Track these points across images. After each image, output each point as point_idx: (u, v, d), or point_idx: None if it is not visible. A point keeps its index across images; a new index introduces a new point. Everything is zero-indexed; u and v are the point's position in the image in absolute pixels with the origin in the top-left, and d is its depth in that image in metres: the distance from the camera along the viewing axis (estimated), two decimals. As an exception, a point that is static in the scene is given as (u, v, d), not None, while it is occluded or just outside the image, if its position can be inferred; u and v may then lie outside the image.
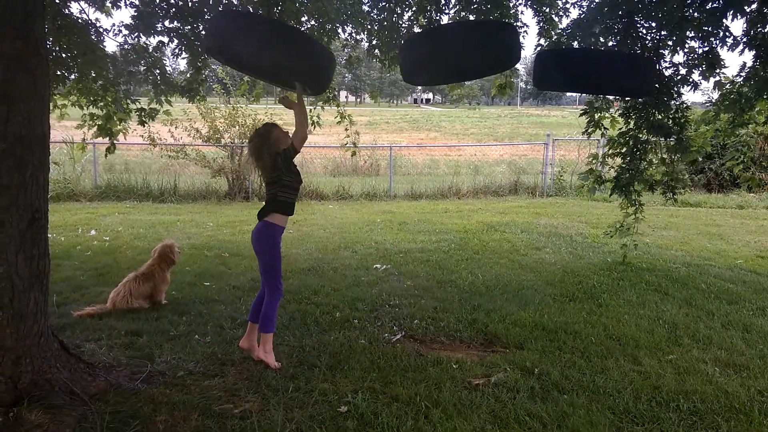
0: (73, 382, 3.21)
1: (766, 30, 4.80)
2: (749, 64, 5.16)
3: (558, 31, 5.79)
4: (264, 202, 3.87)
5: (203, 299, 5.26)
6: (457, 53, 3.82)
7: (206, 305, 5.09)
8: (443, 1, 6.02)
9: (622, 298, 5.47)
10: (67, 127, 10.09)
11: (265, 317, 3.85)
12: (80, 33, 5.06)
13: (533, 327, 4.63)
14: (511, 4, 6.00)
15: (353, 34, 6.75)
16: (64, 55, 5.21)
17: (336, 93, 7.54)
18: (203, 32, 5.13)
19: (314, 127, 7.05)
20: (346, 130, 7.33)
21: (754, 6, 4.73)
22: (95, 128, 6.14)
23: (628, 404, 3.37)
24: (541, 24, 5.95)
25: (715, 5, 4.51)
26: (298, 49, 3.58)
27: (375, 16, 6.36)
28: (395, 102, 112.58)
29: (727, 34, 4.84)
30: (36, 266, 3.11)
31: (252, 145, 3.95)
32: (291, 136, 3.90)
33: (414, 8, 6.12)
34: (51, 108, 5.90)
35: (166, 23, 5.51)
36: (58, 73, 5.30)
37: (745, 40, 4.90)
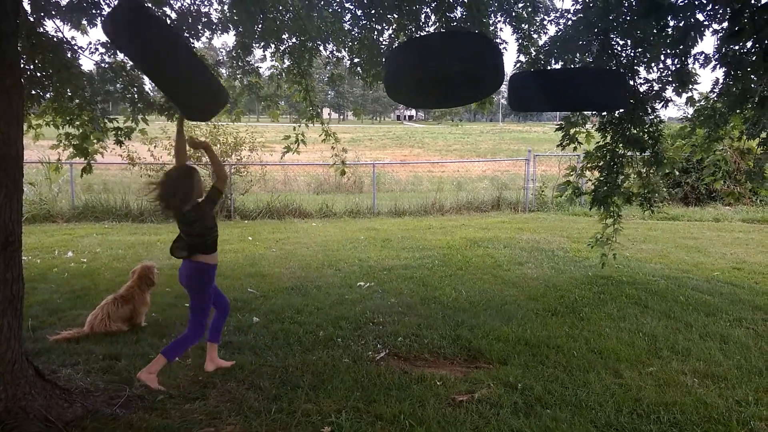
0: (48, 409, 3.13)
1: (737, 48, 4.93)
2: (722, 80, 5.28)
3: (536, 48, 5.89)
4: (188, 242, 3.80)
5: (184, 321, 5.16)
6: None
7: (187, 327, 5.00)
8: (423, 19, 6.10)
9: (603, 312, 5.51)
10: (43, 147, 9.96)
11: (177, 345, 3.87)
12: (55, 50, 5.02)
13: (516, 342, 4.64)
14: (490, 22, 6.10)
15: (334, 52, 6.80)
16: (39, 74, 5.16)
17: (319, 110, 7.55)
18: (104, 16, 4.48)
19: (298, 146, 7.05)
20: (333, 148, 7.34)
21: (725, 24, 4.86)
22: (71, 148, 6.07)
23: (610, 417, 3.38)
24: (520, 41, 6.06)
25: (682, 23, 4.63)
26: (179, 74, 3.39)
27: (356, 34, 6.42)
28: (378, 119, 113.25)
29: (697, 52, 4.97)
30: (9, 291, 3.04)
31: (171, 182, 3.70)
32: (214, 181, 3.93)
33: (394, 26, 6.19)
34: (26, 128, 5.83)
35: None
36: (33, 92, 5.24)
37: (716, 57, 5.02)
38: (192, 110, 3.81)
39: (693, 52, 5.04)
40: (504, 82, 4.43)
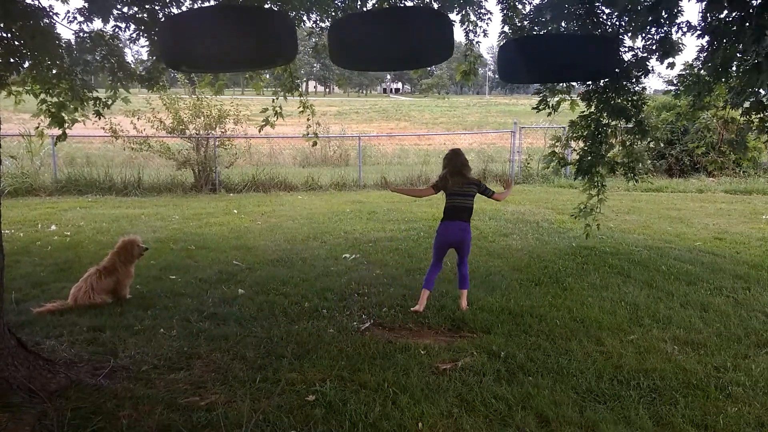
0: (32, 379, 3.12)
1: (722, 16, 4.90)
2: (706, 47, 5.25)
3: (520, 18, 5.81)
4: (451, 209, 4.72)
5: (169, 293, 5.17)
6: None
7: (172, 299, 5.01)
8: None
9: (586, 282, 5.58)
10: (25, 120, 9.75)
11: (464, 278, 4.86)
12: (31, 18, 4.86)
13: (500, 312, 4.69)
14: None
15: (318, 22, 6.67)
16: (15, 42, 5.01)
17: (300, 83, 7.43)
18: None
19: (277, 119, 6.96)
20: (308, 119, 7.26)
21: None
22: (49, 117, 5.93)
23: (591, 384, 3.45)
24: (505, 11, 5.97)
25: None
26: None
27: (339, 4, 6.29)
28: (365, 92, 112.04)
29: (682, 20, 4.94)
30: (-11, 262, 3.00)
31: (460, 156, 4.81)
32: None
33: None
34: (6, 95, 5.70)
35: (124, 9, 5.35)
36: (11, 60, 5.09)
37: (702, 25, 4.98)
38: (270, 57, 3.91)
39: (678, 20, 5.01)
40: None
